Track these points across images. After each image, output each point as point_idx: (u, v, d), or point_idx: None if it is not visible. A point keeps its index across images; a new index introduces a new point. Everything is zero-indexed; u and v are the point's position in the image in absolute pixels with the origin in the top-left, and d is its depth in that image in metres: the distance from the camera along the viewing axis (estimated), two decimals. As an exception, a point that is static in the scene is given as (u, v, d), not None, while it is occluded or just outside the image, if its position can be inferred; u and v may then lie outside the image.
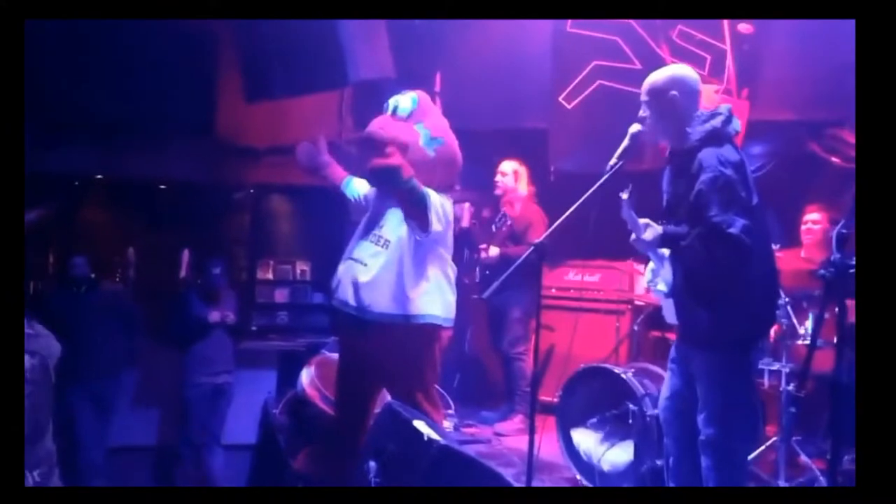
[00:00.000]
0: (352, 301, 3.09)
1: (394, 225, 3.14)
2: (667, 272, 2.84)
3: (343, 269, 3.19)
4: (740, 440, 2.71)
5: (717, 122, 2.68)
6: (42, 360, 2.17)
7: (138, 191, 6.83)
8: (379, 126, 3.12)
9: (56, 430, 2.27)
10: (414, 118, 3.15)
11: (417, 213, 3.04)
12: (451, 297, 3.22)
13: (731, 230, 2.49)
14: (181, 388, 5.11)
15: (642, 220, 2.74)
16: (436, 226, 3.05)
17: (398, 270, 3.07)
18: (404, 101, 3.16)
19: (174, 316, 5.18)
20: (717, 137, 2.67)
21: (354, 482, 2.66)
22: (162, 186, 7.06)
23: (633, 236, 2.76)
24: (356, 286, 3.09)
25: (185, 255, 6.87)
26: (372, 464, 2.55)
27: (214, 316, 5.08)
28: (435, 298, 3.11)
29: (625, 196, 2.76)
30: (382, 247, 3.13)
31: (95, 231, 6.54)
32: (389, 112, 3.16)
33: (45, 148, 5.75)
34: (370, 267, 3.10)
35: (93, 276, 4.92)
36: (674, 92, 2.71)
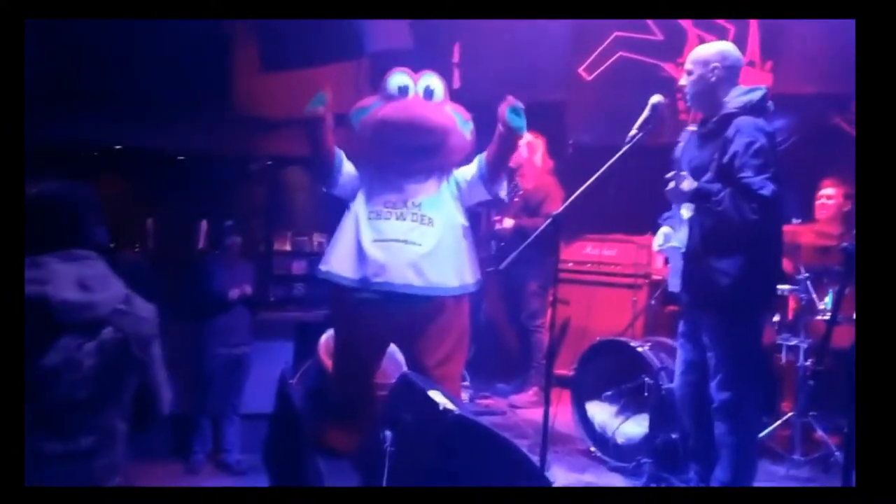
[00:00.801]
0: (419, 282, 3.15)
1: (432, 202, 3.17)
2: (682, 234, 2.87)
3: (385, 252, 3.18)
4: (754, 402, 2.81)
5: (755, 95, 2.84)
6: (122, 338, 2.02)
7: (156, 161, 6.86)
8: (420, 112, 3.14)
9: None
10: (445, 102, 3.18)
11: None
12: (475, 265, 3.40)
13: (763, 191, 2.65)
14: (199, 358, 5.16)
15: (681, 172, 2.81)
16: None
17: (453, 244, 3.21)
18: (436, 83, 3.18)
19: (192, 287, 5.21)
20: (754, 110, 2.81)
21: (371, 452, 2.68)
22: (180, 157, 7.09)
23: (672, 185, 2.80)
24: (417, 267, 3.16)
25: (203, 225, 6.91)
26: (387, 433, 2.57)
27: (233, 293, 5.11)
28: (474, 266, 3.30)
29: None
30: (428, 224, 3.16)
31: (113, 202, 6.57)
32: (421, 95, 3.18)
33: (63, 120, 5.78)
34: (425, 246, 3.16)
35: (112, 245, 4.96)
36: (716, 64, 2.85)
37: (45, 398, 1.93)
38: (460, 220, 3.27)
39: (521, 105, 3.12)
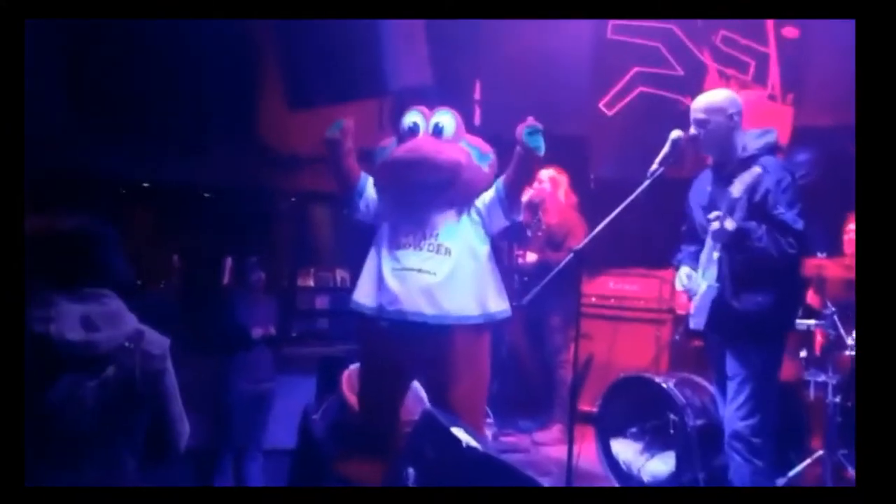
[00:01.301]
0: (430, 311, 3.12)
1: (450, 231, 3.18)
2: (711, 272, 2.89)
3: (400, 281, 3.20)
4: (771, 434, 2.89)
5: (771, 137, 3.02)
6: (127, 376, 2.03)
7: (182, 198, 6.96)
8: (433, 149, 3.15)
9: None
10: (457, 137, 3.19)
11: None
12: (501, 294, 3.33)
13: (797, 226, 2.84)
14: (222, 393, 5.18)
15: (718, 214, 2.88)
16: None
17: (472, 273, 3.17)
18: (447, 119, 3.18)
19: (216, 323, 5.26)
20: (772, 150, 3.01)
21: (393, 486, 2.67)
22: (206, 194, 7.20)
23: (716, 225, 2.84)
24: (430, 296, 3.13)
25: (228, 262, 6.99)
26: (410, 470, 2.56)
27: (257, 332, 5.14)
28: (501, 294, 3.25)
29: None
30: (444, 254, 3.17)
31: (140, 238, 6.67)
32: (430, 132, 3.18)
33: (91, 155, 5.90)
34: (439, 275, 3.15)
35: (139, 282, 5.02)
36: (733, 111, 2.98)
37: (48, 432, 1.93)
38: (483, 248, 3.24)
39: (539, 125, 3.12)
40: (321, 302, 7.30)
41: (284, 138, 6.24)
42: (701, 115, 2.98)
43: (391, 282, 3.21)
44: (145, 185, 6.98)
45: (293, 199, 7.27)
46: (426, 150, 3.16)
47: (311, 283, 7.29)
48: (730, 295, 2.93)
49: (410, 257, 3.21)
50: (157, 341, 2.11)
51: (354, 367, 4.19)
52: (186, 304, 5.32)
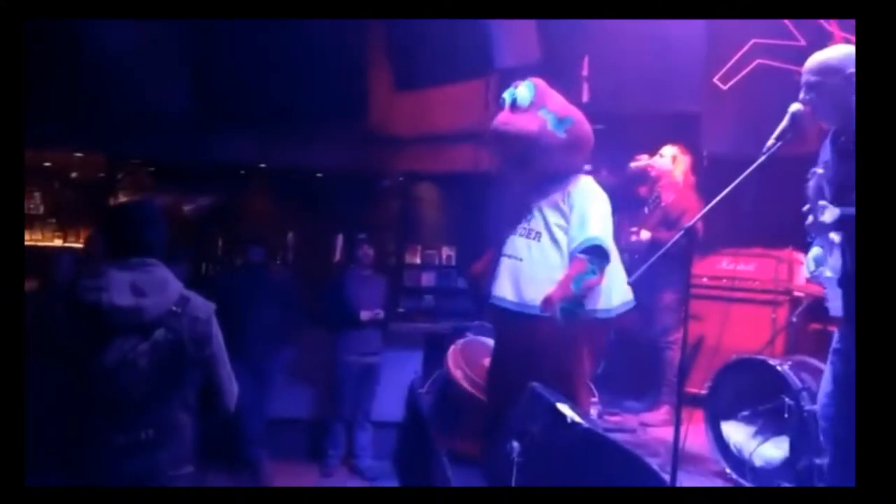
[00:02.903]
0: (512, 297, 3.12)
1: (538, 214, 3.16)
2: (835, 259, 2.67)
3: (499, 265, 3.22)
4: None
5: None
6: (176, 338, 2.18)
7: (297, 178, 7.25)
8: (502, 122, 3.15)
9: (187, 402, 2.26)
10: (536, 105, 3.15)
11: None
12: (615, 287, 3.18)
13: None
14: (333, 366, 5.39)
15: (820, 202, 2.60)
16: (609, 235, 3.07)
17: (557, 264, 3.07)
18: (522, 90, 3.17)
19: (329, 299, 5.46)
20: None
21: (498, 462, 2.71)
22: (318, 174, 7.45)
23: (811, 219, 2.60)
24: (516, 282, 3.12)
25: (339, 240, 7.23)
26: (515, 444, 2.59)
27: (366, 315, 5.30)
28: (598, 289, 3.08)
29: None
30: (534, 239, 3.15)
31: (259, 217, 7.00)
32: (508, 105, 3.18)
33: (214, 139, 6.23)
34: (526, 261, 3.12)
35: (262, 259, 5.29)
36: (851, 69, 2.50)
37: (105, 395, 2.10)
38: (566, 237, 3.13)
39: (578, 301, 2.98)
40: (427, 279, 7.45)
41: (392, 119, 6.37)
42: (813, 78, 2.60)
43: (499, 267, 3.24)
44: (262, 165, 7.31)
45: (401, 179, 7.42)
46: (497, 123, 3.16)
47: (418, 260, 7.44)
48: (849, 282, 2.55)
49: (513, 243, 3.21)
50: (203, 306, 2.26)
51: (460, 342, 4.26)
52: (300, 281, 5.55)
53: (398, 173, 7.36)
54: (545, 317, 3.00)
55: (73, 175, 7.77)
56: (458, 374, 3.97)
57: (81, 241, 6.90)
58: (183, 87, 5.95)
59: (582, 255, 3.02)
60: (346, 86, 6.12)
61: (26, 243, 7.07)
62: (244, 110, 6.00)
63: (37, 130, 6.01)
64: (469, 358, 4.01)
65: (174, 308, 2.18)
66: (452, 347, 4.23)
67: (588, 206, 3.12)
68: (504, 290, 3.16)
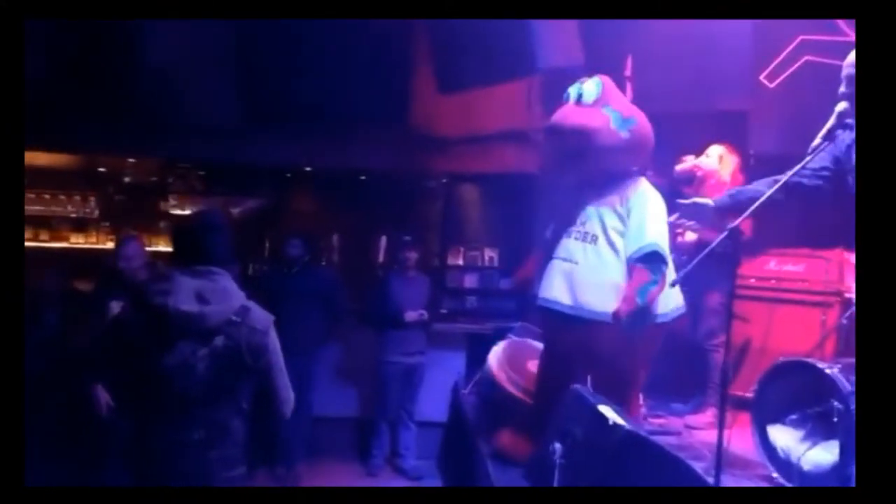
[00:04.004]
0: (567, 300, 3.07)
1: (593, 217, 3.12)
2: None
3: (550, 268, 3.18)
4: None
5: None
6: (234, 346, 2.25)
7: (341, 181, 7.34)
8: (563, 116, 3.11)
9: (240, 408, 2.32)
10: (600, 102, 3.10)
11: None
12: (669, 292, 3.12)
13: None
14: (377, 365, 5.45)
15: None
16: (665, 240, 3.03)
17: (614, 268, 3.03)
18: (589, 86, 3.11)
19: (373, 300, 5.52)
20: None
21: (541, 463, 2.72)
22: (362, 177, 7.53)
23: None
24: (571, 286, 3.07)
25: (383, 241, 7.29)
26: (557, 446, 2.60)
27: (411, 315, 5.35)
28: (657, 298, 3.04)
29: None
30: (591, 242, 3.10)
31: (304, 218, 7.11)
32: (573, 100, 3.14)
33: (260, 142, 6.35)
34: (582, 265, 3.08)
35: (306, 258, 5.37)
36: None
37: (162, 394, 2.20)
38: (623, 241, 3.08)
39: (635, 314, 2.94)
40: (470, 280, 7.47)
41: (435, 121, 6.41)
42: (853, 71, 2.56)
43: (549, 269, 3.20)
44: (307, 169, 7.41)
45: (444, 180, 7.45)
46: (559, 116, 3.11)
47: (461, 261, 7.47)
48: None
49: (565, 244, 3.16)
50: (262, 317, 2.34)
51: (503, 344, 4.27)
52: (345, 281, 5.62)
53: (441, 174, 7.39)
54: (602, 322, 2.97)
55: (127, 179, 8.00)
56: (501, 376, 3.98)
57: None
58: (230, 92, 6.08)
59: (642, 266, 2.98)
60: (389, 87, 6.18)
61: (81, 245, 7.30)
62: (289, 113, 6.10)
63: (90, 134, 6.24)
64: (512, 359, 4.02)
65: (234, 317, 2.26)
66: (495, 349, 4.24)
67: (646, 211, 3.06)
68: (558, 293, 3.11)
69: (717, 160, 4.64)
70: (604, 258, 3.06)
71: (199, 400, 2.22)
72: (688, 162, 4.69)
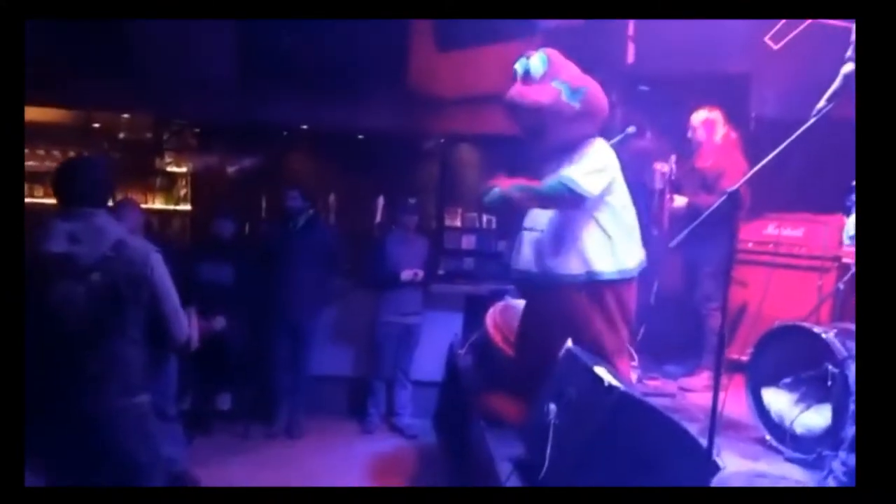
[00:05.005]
0: (534, 268, 3.19)
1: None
2: None
3: (519, 239, 3.31)
4: None
5: None
6: (111, 281, 2.35)
7: (337, 140, 7.27)
8: (513, 95, 3.16)
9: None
10: (548, 77, 3.13)
11: (565, 205, 3.11)
12: (632, 248, 3.22)
13: None
14: (374, 326, 5.47)
15: None
16: (594, 189, 3.06)
17: (573, 230, 3.12)
18: (535, 61, 3.15)
19: (370, 259, 5.51)
20: None
21: (535, 423, 2.74)
22: (359, 136, 7.47)
23: None
24: (536, 252, 3.18)
25: (380, 201, 7.26)
26: (552, 406, 2.61)
27: (406, 274, 5.35)
28: (606, 252, 3.12)
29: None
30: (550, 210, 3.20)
31: (301, 177, 7.05)
32: (520, 77, 3.17)
33: (257, 100, 6.27)
34: (547, 232, 3.18)
35: (309, 212, 5.34)
36: None
37: (53, 334, 2.31)
38: (595, 202, 3.14)
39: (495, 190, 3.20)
40: (467, 242, 7.46)
41: (433, 80, 6.32)
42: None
43: (518, 240, 3.33)
44: (304, 127, 7.34)
45: (442, 140, 7.39)
46: (511, 94, 3.17)
47: (458, 223, 7.45)
48: None
49: (531, 215, 3.28)
50: (139, 250, 2.44)
51: (499, 305, 4.28)
52: (342, 241, 5.60)
53: (439, 135, 7.33)
54: (571, 286, 3.09)
55: (121, 136, 7.92)
56: (496, 336, 4.00)
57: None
58: (226, 49, 5.98)
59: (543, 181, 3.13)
60: (387, 46, 6.08)
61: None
62: (286, 72, 6.02)
63: (85, 91, 6.15)
64: (508, 320, 4.03)
65: (109, 253, 2.37)
66: (492, 309, 4.25)
67: (584, 158, 3.14)
68: (525, 262, 3.23)
69: (703, 130, 4.58)
70: (567, 221, 3.14)
71: (89, 335, 2.34)
72: (664, 167, 4.64)
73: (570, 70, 3.20)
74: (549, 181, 3.09)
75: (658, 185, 4.61)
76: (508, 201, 3.14)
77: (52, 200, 2.48)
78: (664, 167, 4.59)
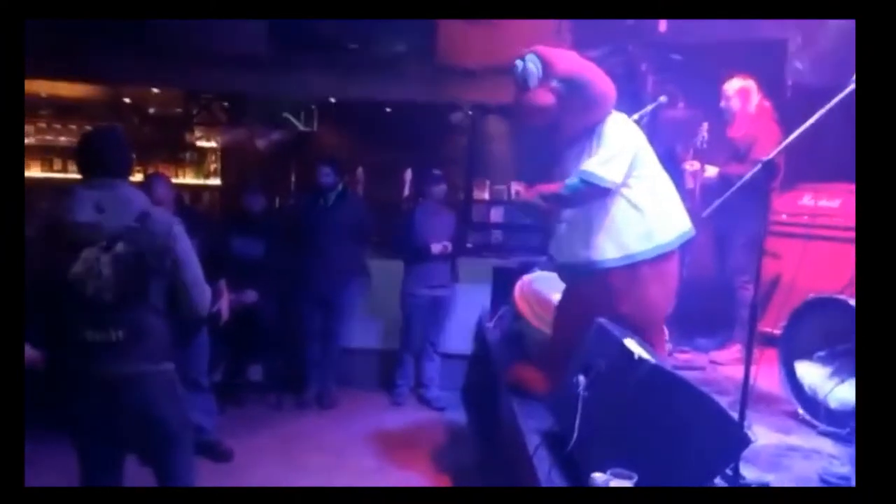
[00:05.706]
0: (572, 259, 3.23)
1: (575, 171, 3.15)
2: None
3: (554, 230, 3.35)
4: None
5: None
6: (136, 251, 2.39)
7: (366, 112, 7.25)
8: (520, 108, 3.18)
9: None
10: (547, 77, 3.08)
11: (592, 199, 3.12)
12: (670, 218, 3.17)
13: None
14: (402, 298, 5.48)
15: None
16: (616, 177, 3.06)
17: (603, 215, 3.12)
18: (529, 67, 3.12)
19: (398, 232, 5.51)
20: None
21: (564, 396, 2.73)
22: (387, 108, 7.43)
23: None
24: (572, 241, 3.21)
25: (408, 174, 7.24)
26: (581, 378, 2.60)
27: (436, 247, 5.34)
28: (641, 230, 3.10)
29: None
30: None
31: (329, 151, 7.05)
32: (519, 85, 3.16)
33: (285, 74, 6.26)
34: (574, 221, 3.20)
35: (341, 186, 5.36)
36: None
37: (76, 298, 2.35)
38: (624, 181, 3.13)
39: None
40: (495, 215, 7.41)
41: (461, 51, 6.25)
42: None
43: (553, 231, 3.36)
44: (332, 100, 7.33)
45: (470, 112, 7.33)
46: (517, 105, 3.19)
47: (486, 195, 7.40)
48: None
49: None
50: (162, 221, 2.47)
51: (527, 278, 4.26)
52: (371, 214, 5.59)
53: (467, 106, 7.26)
54: (612, 269, 3.09)
55: (151, 110, 7.97)
56: (525, 310, 3.99)
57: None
58: (255, 22, 5.97)
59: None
60: (415, 18, 6.02)
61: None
62: (314, 44, 5.99)
63: (114, 65, 6.18)
64: (537, 293, 4.02)
65: (133, 223, 2.41)
66: (520, 282, 4.24)
67: (600, 146, 3.12)
68: (565, 252, 3.27)
69: (738, 99, 4.48)
70: (597, 206, 3.13)
71: (112, 302, 2.38)
72: (694, 165, 4.55)
73: (566, 61, 3.15)
74: (569, 182, 3.10)
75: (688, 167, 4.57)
76: (536, 210, 3.23)
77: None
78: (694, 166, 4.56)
